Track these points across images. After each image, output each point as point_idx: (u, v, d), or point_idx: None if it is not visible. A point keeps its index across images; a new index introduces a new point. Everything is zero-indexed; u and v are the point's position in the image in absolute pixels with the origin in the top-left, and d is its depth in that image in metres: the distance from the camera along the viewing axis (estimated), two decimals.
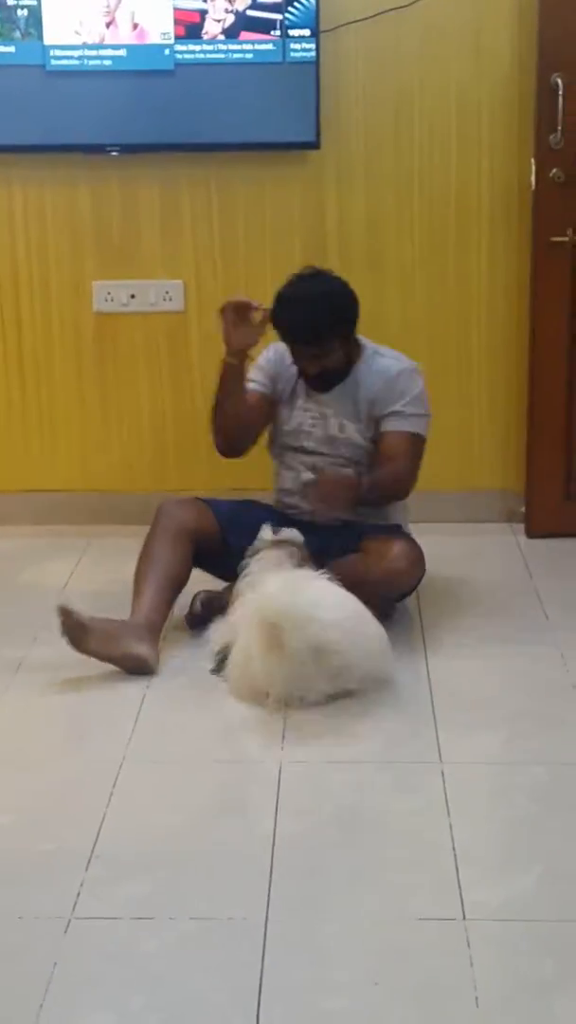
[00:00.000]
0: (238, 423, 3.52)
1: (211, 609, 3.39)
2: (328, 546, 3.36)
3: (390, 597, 3.43)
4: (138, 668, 3.17)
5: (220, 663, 3.17)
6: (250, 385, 3.54)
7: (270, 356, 3.59)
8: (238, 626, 3.09)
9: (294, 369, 3.53)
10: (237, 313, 3.40)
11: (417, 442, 3.48)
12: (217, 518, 3.47)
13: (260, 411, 3.56)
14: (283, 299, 3.42)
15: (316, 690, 2.97)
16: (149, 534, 3.42)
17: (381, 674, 3.08)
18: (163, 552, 3.37)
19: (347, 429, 3.49)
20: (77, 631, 3.12)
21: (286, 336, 3.43)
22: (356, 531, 3.45)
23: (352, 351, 3.49)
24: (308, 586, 3.07)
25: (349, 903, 2.31)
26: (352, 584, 3.17)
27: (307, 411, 3.53)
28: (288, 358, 3.53)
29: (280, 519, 3.53)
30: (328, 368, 3.45)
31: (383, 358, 3.51)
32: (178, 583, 3.39)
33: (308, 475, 3.49)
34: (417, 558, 3.44)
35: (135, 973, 2.13)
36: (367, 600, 3.17)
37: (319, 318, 3.38)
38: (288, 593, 2.99)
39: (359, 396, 3.48)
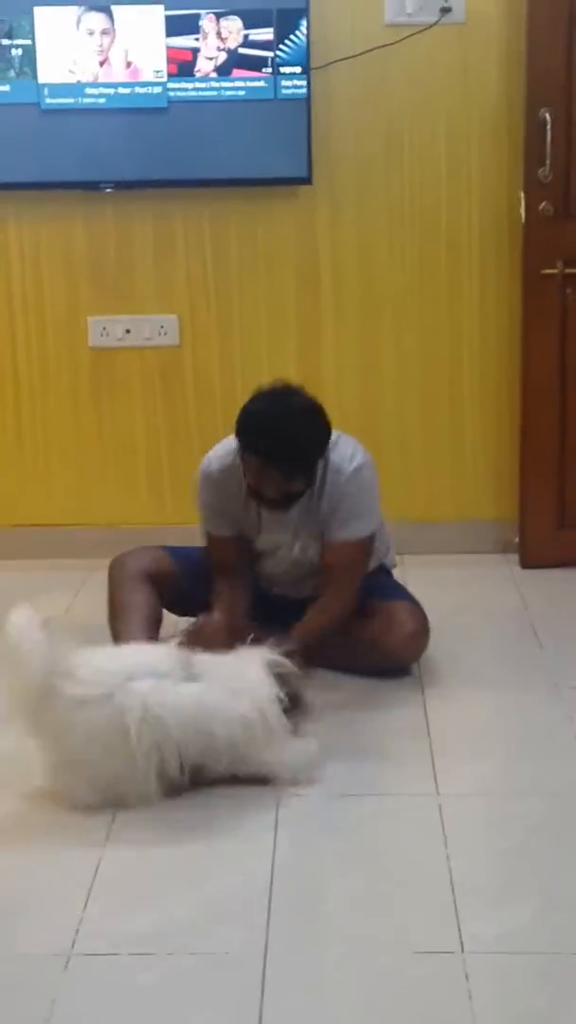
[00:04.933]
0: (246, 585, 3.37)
1: None
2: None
3: (388, 667, 3.35)
4: None
5: None
6: (220, 530, 3.33)
7: (215, 490, 3.31)
8: None
9: (233, 493, 3.26)
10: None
11: (363, 547, 3.26)
12: (171, 559, 3.41)
13: (245, 550, 3.35)
14: (264, 416, 3.11)
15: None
16: (109, 588, 3.37)
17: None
18: (128, 597, 3.32)
19: (309, 551, 3.30)
20: None
21: (264, 455, 3.08)
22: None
23: (312, 479, 3.20)
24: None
25: (347, 936, 2.31)
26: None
27: (274, 532, 3.30)
28: (223, 483, 3.27)
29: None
30: (289, 494, 3.17)
31: (330, 467, 3.21)
32: (153, 620, 3.32)
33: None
34: (424, 627, 3.34)
35: (134, 1009, 2.13)
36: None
37: (303, 443, 3.11)
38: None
39: (320, 514, 3.25)
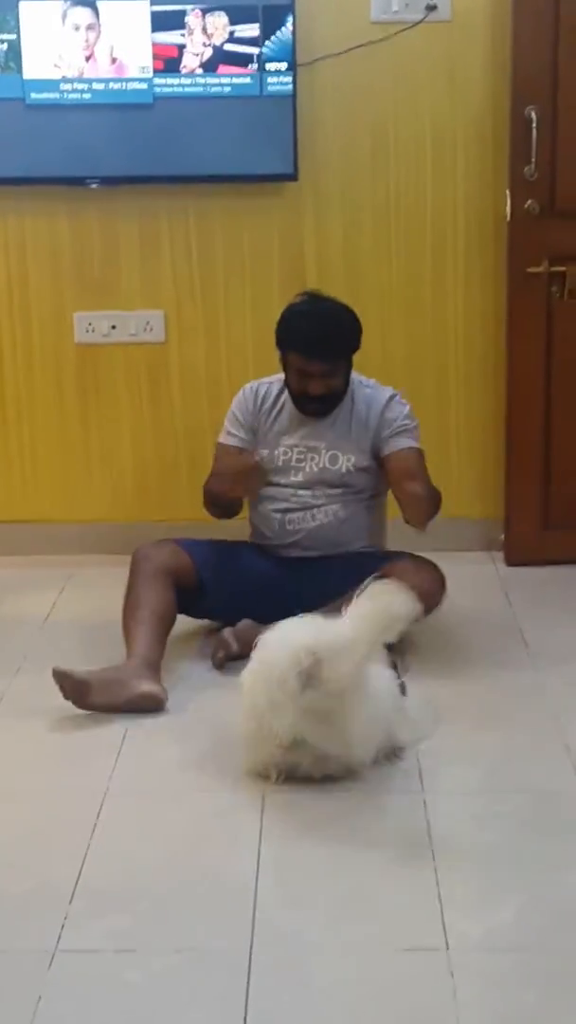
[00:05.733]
0: (238, 507, 3.61)
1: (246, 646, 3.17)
2: (333, 583, 3.25)
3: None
4: (148, 706, 3.14)
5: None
6: (232, 440, 3.58)
7: (247, 405, 3.60)
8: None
9: (269, 407, 3.56)
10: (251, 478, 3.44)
11: (423, 458, 3.55)
12: (192, 558, 3.47)
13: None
14: (300, 313, 3.46)
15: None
16: (130, 579, 3.41)
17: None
18: (147, 593, 3.35)
19: (339, 460, 3.50)
20: (79, 690, 3.08)
21: (304, 350, 3.41)
22: (359, 563, 3.38)
23: (348, 377, 3.52)
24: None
25: (333, 934, 2.32)
26: None
27: (295, 447, 3.53)
28: (263, 396, 3.56)
29: (260, 555, 3.54)
30: (332, 390, 3.46)
31: (368, 387, 3.56)
32: (167, 620, 3.37)
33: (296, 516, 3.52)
34: (441, 577, 3.46)
35: (120, 1006, 2.13)
36: None
37: (340, 331, 3.43)
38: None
39: (352, 424, 3.51)
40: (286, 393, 3.55)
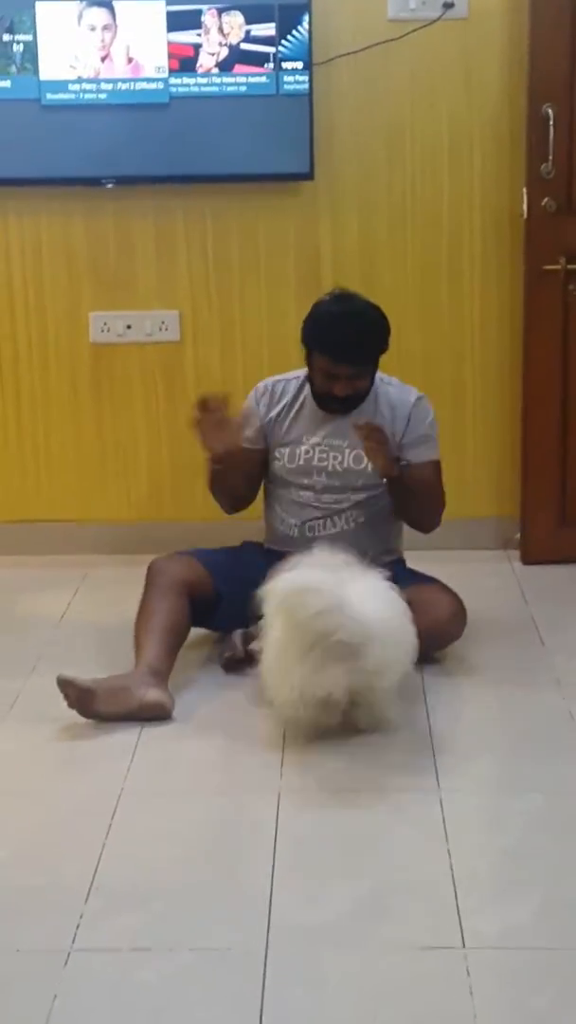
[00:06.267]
0: (242, 493, 3.54)
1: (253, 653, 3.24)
2: None
3: (431, 650, 3.35)
4: (154, 714, 3.10)
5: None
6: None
7: (259, 398, 3.54)
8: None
9: (288, 403, 3.50)
10: (209, 415, 3.31)
11: (439, 469, 3.52)
12: (207, 570, 3.43)
13: (258, 466, 3.53)
14: (329, 314, 3.38)
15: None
16: (144, 592, 3.36)
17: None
18: (159, 605, 3.31)
19: (363, 460, 3.41)
20: (84, 698, 3.05)
21: (333, 353, 3.33)
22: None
23: (374, 378, 3.46)
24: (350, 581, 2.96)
25: (348, 932, 2.31)
26: None
27: (316, 446, 3.47)
28: (279, 394, 3.50)
29: (275, 561, 3.51)
30: (357, 391, 3.40)
31: (392, 387, 3.49)
32: (179, 632, 3.31)
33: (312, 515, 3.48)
34: (462, 613, 3.41)
35: (135, 1005, 2.13)
36: None
37: (370, 335, 3.36)
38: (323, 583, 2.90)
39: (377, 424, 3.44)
40: (306, 390, 3.49)
